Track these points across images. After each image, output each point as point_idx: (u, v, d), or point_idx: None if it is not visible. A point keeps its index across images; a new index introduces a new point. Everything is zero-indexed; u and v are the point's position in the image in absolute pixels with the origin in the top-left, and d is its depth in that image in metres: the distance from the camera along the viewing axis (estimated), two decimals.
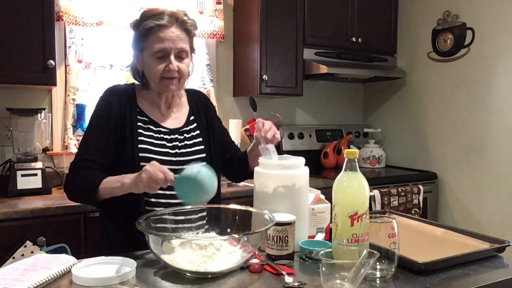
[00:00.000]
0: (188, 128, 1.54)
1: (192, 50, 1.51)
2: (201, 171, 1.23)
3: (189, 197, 1.25)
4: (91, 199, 1.35)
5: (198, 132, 1.55)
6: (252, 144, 1.55)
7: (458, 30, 2.91)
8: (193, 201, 1.28)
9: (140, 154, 1.41)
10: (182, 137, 1.51)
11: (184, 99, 1.62)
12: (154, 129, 1.47)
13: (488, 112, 2.78)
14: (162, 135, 1.48)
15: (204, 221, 1.35)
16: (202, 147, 1.54)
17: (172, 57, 1.42)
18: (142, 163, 1.34)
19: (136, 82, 1.55)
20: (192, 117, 1.58)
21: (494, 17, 2.73)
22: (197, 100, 1.64)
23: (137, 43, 1.46)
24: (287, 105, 3.27)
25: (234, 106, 3.07)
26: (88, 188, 1.34)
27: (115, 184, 1.31)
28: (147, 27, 1.40)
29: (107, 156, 1.41)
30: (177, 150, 1.48)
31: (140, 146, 1.42)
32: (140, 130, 1.45)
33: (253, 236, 1.09)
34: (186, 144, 1.50)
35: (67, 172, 1.42)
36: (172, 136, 1.49)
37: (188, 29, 1.46)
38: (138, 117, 1.47)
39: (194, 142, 1.53)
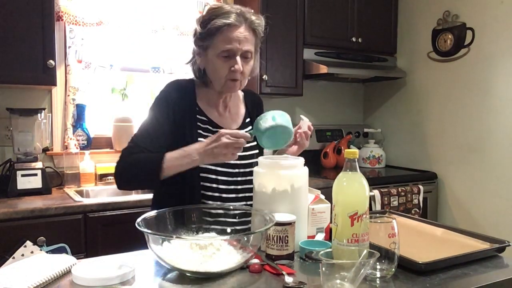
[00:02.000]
0: (244, 130, 1.49)
1: (257, 50, 1.48)
2: (275, 115, 1.28)
3: (277, 143, 1.33)
4: (152, 178, 1.31)
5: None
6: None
7: (458, 30, 2.91)
8: (281, 144, 1.34)
9: None
10: None
11: (241, 99, 1.62)
12: (212, 129, 1.47)
13: (488, 112, 2.78)
14: None
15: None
16: (257, 151, 1.54)
17: (238, 58, 1.40)
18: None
19: (195, 78, 1.54)
20: (247, 119, 1.58)
21: (494, 17, 2.73)
22: (253, 102, 1.64)
23: (202, 40, 1.43)
24: (287, 105, 3.26)
25: None
26: (149, 166, 1.31)
27: (183, 160, 1.29)
28: (216, 26, 1.38)
29: (160, 148, 1.37)
30: None
31: None
32: (199, 131, 1.45)
33: (253, 236, 1.09)
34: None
35: (118, 159, 1.37)
36: None
37: (255, 29, 1.43)
38: (198, 116, 1.47)
39: (250, 146, 1.51)
